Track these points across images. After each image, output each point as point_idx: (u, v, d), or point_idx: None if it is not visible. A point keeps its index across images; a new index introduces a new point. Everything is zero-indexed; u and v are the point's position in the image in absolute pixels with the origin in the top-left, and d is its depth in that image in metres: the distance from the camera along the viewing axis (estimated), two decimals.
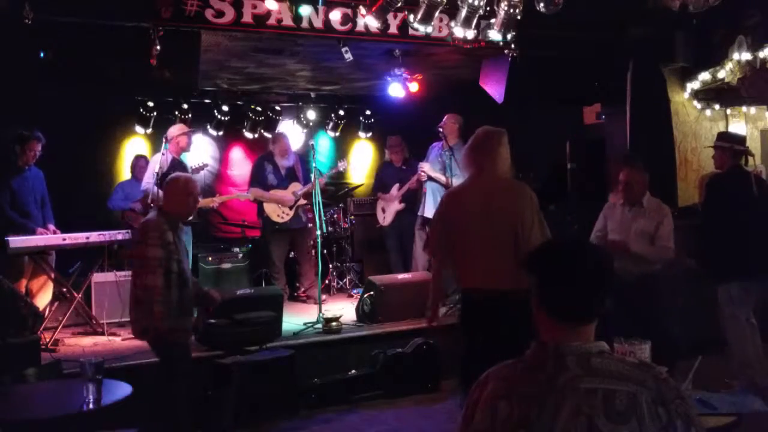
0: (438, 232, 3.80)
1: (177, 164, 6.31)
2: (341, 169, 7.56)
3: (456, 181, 6.65)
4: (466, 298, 3.73)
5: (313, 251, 6.69)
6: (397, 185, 7.47)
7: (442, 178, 6.68)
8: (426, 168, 6.81)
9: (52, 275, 5.76)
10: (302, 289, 7.37)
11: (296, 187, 7.10)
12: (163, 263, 3.69)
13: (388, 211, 7.57)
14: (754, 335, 4.79)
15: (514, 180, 3.79)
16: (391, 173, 7.68)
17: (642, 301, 4.49)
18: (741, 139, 5.14)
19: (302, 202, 7.08)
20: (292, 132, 9.13)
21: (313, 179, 6.48)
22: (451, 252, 3.71)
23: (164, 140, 6.23)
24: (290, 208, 7.04)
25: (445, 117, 6.82)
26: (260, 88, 8.54)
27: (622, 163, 4.99)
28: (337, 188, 8.62)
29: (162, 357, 3.93)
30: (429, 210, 6.84)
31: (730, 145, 4.94)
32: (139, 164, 7.40)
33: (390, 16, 5.63)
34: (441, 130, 6.70)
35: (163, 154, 6.12)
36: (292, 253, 7.41)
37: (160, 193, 5.95)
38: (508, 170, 3.75)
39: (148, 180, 6.24)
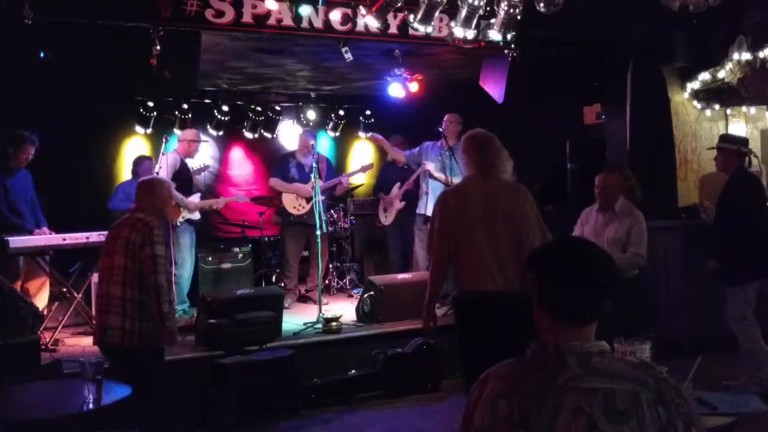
0: (438, 232, 3.67)
1: (184, 165, 6.41)
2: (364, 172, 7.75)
3: (457, 181, 6.68)
4: (468, 300, 3.62)
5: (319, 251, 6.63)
6: (398, 184, 7.47)
7: (443, 178, 6.70)
8: (431, 168, 6.81)
9: (49, 273, 5.75)
10: (305, 288, 7.38)
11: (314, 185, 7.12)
12: (165, 262, 3.68)
13: (389, 211, 7.58)
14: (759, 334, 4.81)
15: (514, 182, 3.76)
16: (393, 173, 7.69)
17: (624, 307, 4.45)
18: (745, 141, 5.15)
19: (320, 198, 7.10)
20: (292, 132, 9.14)
21: (313, 179, 6.48)
22: (451, 253, 3.62)
23: (164, 140, 6.25)
24: (307, 201, 7.06)
25: (446, 117, 6.82)
26: (260, 88, 8.53)
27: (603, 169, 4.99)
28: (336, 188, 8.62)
29: (148, 366, 3.74)
30: (430, 209, 6.85)
31: (737, 147, 4.95)
32: (144, 164, 7.37)
33: (390, 16, 5.62)
34: (441, 129, 6.72)
35: (164, 154, 6.14)
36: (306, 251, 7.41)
37: (178, 195, 6.02)
38: (510, 171, 3.72)
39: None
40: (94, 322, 5.89)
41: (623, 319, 4.08)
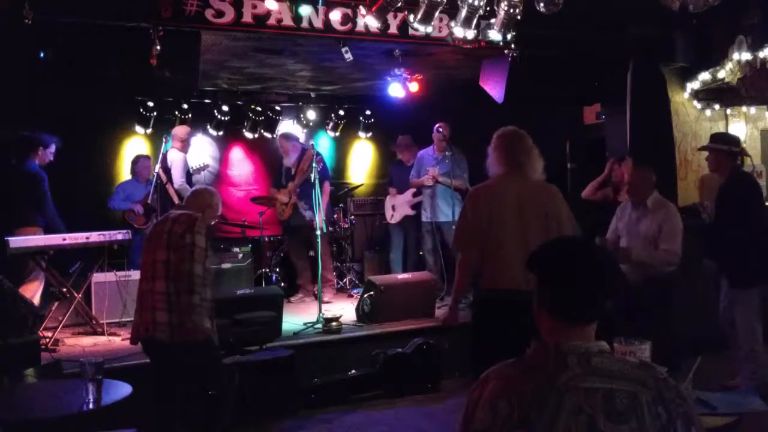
0: (468, 229, 3.59)
1: None
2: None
3: (458, 184, 6.75)
4: (494, 298, 3.51)
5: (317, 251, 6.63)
6: (413, 191, 7.43)
7: (449, 182, 6.77)
8: (435, 173, 6.87)
9: (46, 272, 5.76)
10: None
11: (291, 187, 7.23)
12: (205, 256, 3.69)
13: (397, 211, 7.57)
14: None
15: (546, 181, 3.70)
16: (403, 173, 7.67)
17: (653, 304, 4.41)
18: (736, 140, 5.09)
19: (293, 200, 7.20)
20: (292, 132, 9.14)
21: (312, 179, 6.48)
22: (480, 250, 3.52)
23: (164, 140, 6.26)
24: (285, 206, 7.14)
25: (443, 125, 6.97)
26: (260, 88, 8.53)
27: (623, 163, 4.94)
28: (336, 188, 8.61)
29: (202, 359, 3.74)
30: (430, 214, 6.97)
31: (728, 147, 4.86)
32: (141, 163, 7.37)
33: (390, 16, 5.62)
34: (443, 133, 6.85)
35: (164, 154, 6.18)
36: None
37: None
38: (540, 170, 3.67)
39: (184, 178, 6.63)
40: (93, 321, 5.91)
41: (648, 316, 4.09)
